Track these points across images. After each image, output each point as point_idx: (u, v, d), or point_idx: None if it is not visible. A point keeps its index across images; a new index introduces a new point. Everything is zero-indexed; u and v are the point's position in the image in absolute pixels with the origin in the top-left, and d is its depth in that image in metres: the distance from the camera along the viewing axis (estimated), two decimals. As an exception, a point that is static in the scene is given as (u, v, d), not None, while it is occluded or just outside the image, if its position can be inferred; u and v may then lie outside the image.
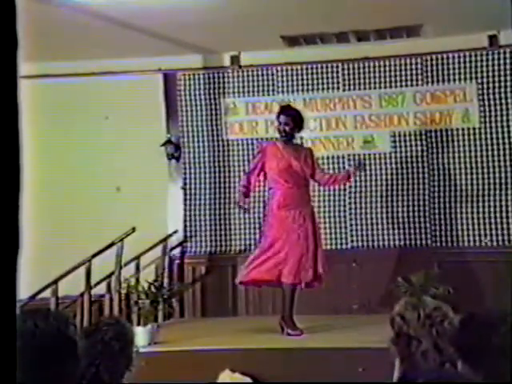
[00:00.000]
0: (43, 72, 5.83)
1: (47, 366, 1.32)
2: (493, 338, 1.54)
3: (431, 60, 5.65)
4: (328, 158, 5.83)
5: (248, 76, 5.96)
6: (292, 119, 4.55)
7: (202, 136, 5.98)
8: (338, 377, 3.46)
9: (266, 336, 4.42)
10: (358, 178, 5.73)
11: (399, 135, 5.73)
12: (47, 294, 4.82)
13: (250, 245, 5.79)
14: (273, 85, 5.93)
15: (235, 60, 5.95)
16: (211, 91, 6.00)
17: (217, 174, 5.95)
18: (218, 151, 5.98)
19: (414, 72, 5.68)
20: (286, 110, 4.64)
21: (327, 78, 5.84)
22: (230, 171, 5.94)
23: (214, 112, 6.00)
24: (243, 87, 5.96)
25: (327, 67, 5.84)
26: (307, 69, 5.87)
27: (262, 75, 5.94)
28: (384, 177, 5.73)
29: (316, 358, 3.73)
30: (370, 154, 5.77)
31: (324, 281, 4.52)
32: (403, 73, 5.70)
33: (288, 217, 4.46)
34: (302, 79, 5.88)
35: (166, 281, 5.31)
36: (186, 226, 5.93)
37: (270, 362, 3.75)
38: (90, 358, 2.17)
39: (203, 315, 5.72)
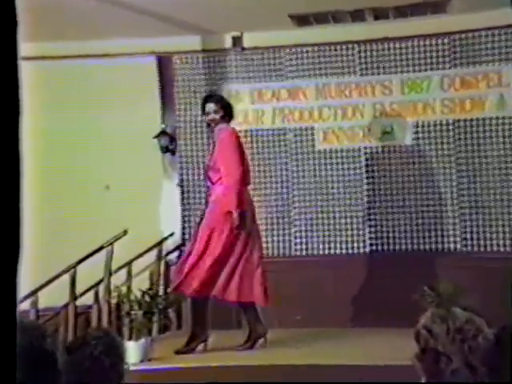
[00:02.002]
0: (25, 54, 5.82)
1: None
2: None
3: (460, 40, 5.60)
4: (342, 151, 5.81)
5: (252, 59, 5.94)
6: (221, 106, 4.63)
7: (200, 127, 5.97)
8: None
9: (272, 352, 4.42)
10: (375, 174, 5.72)
11: (423, 125, 5.69)
12: (26, 305, 4.83)
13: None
14: (280, 69, 5.91)
15: (237, 41, 5.93)
16: (211, 76, 5.99)
17: (217, 170, 5.93)
18: (219, 144, 5.96)
19: (440, 54, 5.63)
20: (212, 97, 4.74)
21: (342, 61, 5.81)
22: (232, 166, 5.93)
23: (214, 100, 5.98)
24: (247, 72, 5.95)
25: (342, 49, 5.81)
26: (319, 51, 5.84)
27: (268, 58, 5.92)
28: (405, 172, 5.70)
29: (318, 374, 3.73)
30: (388, 147, 5.74)
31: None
32: (428, 55, 5.65)
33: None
34: (314, 63, 5.86)
35: (161, 289, 5.30)
36: (183, 228, 5.92)
37: (275, 380, 3.74)
38: (77, 376, 2.16)
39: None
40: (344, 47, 5.81)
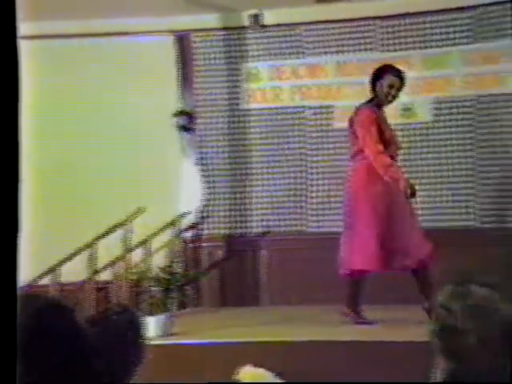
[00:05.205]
0: (40, 32, 5.81)
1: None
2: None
3: (481, 14, 5.49)
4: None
5: (271, 37, 5.90)
6: (402, 84, 4.36)
7: (219, 105, 5.96)
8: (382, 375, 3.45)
9: (291, 328, 4.44)
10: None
11: (443, 102, 5.63)
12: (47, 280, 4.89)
13: (272, 226, 5.82)
14: (300, 46, 5.87)
15: (256, 19, 5.89)
16: (230, 54, 5.96)
17: (236, 148, 5.93)
18: (238, 122, 5.95)
19: (463, 28, 5.54)
20: (396, 71, 4.39)
21: (363, 37, 5.74)
22: (250, 144, 5.92)
23: (233, 78, 5.97)
24: (266, 50, 5.91)
25: (362, 25, 5.74)
26: (339, 27, 5.78)
27: (288, 36, 5.88)
28: (425, 150, 5.65)
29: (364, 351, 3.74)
30: (408, 124, 5.69)
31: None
32: (450, 29, 5.56)
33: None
34: (334, 40, 5.80)
35: (179, 266, 5.33)
36: (201, 206, 5.94)
37: (295, 357, 3.76)
38: (99, 350, 2.19)
39: (222, 305, 5.76)
40: (365, 23, 5.73)
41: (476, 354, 1.78)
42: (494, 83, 5.50)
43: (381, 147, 4.29)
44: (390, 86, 4.35)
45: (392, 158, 4.37)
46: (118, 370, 2.16)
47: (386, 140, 4.35)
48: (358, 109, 4.46)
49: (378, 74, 4.41)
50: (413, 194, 4.24)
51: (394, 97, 4.40)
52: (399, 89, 4.39)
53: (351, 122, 4.47)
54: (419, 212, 5.57)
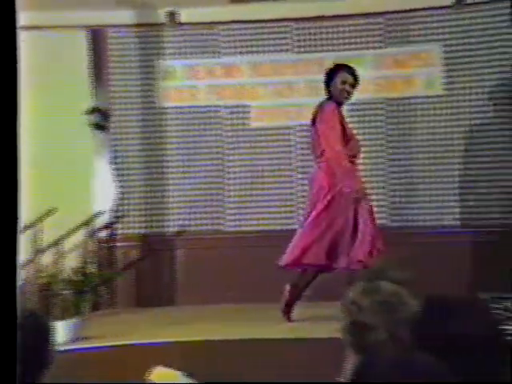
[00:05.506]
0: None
1: None
2: (455, 325, 1.55)
3: (394, 19, 5.67)
4: (279, 128, 5.81)
5: (187, 35, 5.86)
6: (357, 82, 4.42)
7: (134, 103, 5.87)
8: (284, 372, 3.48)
9: (206, 327, 4.43)
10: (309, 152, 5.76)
11: (356, 104, 5.75)
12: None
13: (189, 225, 5.77)
14: (216, 46, 5.86)
15: (173, 17, 5.84)
16: (146, 52, 5.88)
17: (151, 146, 5.85)
18: (153, 120, 5.88)
19: (375, 33, 5.69)
20: (348, 68, 4.44)
21: (278, 38, 5.80)
22: (166, 143, 5.86)
23: (148, 76, 5.89)
24: (182, 48, 5.87)
25: (278, 27, 5.79)
26: (255, 28, 5.81)
27: (204, 35, 5.85)
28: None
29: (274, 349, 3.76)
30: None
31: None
32: (364, 33, 5.69)
33: None
34: (249, 40, 5.83)
35: (93, 267, 5.21)
36: (116, 206, 5.83)
37: (209, 356, 3.74)
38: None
39: (138, 305, 5.67)
40: (280, 24, 5.79)
41: (384, 349, 1.80)
42: (404, 87, 5.68)
43: (340, 147, 4.28)
44: (343, 82, 4.39)
45: (354, 156, 4.41)
46: (23, 375, 2.07)
47: (348, 138, 4.37)
48: (321, 105, 4.45)
49: (331, 74, 4.45)
50: (357, 200, 4.25)
51: (349, 93, 4.43)
52: (353, 86, 4.43)
53: (314, 118, 4.44)
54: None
